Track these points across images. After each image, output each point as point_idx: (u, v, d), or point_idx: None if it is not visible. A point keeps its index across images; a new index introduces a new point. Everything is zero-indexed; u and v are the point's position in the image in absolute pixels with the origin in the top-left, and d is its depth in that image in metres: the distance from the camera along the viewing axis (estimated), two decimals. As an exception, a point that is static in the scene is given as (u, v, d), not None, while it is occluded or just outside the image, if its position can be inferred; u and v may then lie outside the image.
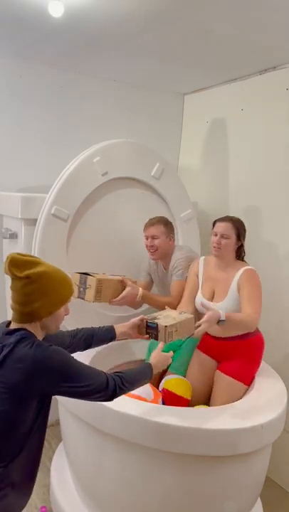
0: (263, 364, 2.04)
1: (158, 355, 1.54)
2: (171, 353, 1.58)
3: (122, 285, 2.04)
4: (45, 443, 2.65)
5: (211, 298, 1.93)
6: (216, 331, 1.92)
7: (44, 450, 2.60)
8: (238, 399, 1.83)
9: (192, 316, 1.72)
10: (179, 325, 1.64)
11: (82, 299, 1.98)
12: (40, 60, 2.43)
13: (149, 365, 1.49)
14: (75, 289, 1.99)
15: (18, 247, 2.16)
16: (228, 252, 1.91)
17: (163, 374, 2.22)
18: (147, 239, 2.14)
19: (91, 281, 1.95)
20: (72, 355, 1.30)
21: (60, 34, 2.02)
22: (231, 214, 2.09)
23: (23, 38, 2.10)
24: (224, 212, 2.13)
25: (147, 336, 1.67)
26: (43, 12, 1.76)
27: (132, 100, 2.81)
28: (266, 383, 1.86)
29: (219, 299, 1.90)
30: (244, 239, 1.94)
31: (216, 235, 1.89)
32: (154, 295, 2.16)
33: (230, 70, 2.46)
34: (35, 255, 2.05)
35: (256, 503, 1.87)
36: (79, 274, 1.99)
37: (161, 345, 1.58)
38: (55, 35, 2.04)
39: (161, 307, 2.03)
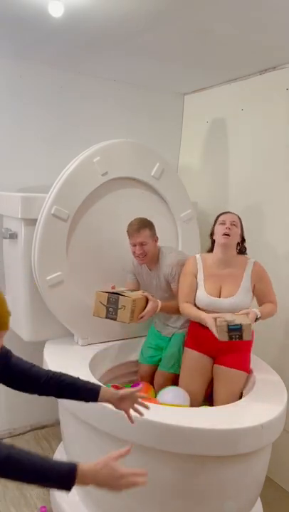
0: (262, 364, 2.06)
1: (104, 465, 1.03)
2: (125, 472, 1.05)
3: (146, 301, 2.02)
4: (45, 443, 2.67)
5: (218, 294, 1.93)
6: None
7: (44, 450, 2.61)
8: (242, 387, 1.90)
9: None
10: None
11: (113, 319, 1.92)
12: (40, 60, 2.43)
13: (72, 469, 1.00)
14: (100, 308, 1.93)
15: (18, 247, 2.16)
16: (234, 242, 1.92)
17: (152, 379, 2.22)
18: (135, 246, 2.05)
19: (125, 302, 1.88)
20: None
21: (60, 34, 2.02)
22: (231, 214, 2.10)
23: (23, 38, 2.10)
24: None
25: (126, 407, 1.42)
26: (43, 12, 1.76)
27: (132, 100, 2.81)
28: (266, 383, 1.86)
29: (229, 294, 1.90)
30: (243, 234, 1.99)
31: (224, 223, 1.90)
32: (169, 303, 2.09)
33: (230, 70, 2.46)
34: (35, 255, 2.05)
35: (256, 503, 1.87)
36: (106, 294, 1.92)
37: (117, 454, 1.09)
38: (55, 35, 2.04)
39: (177, 312, 2.06)
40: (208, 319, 1.79)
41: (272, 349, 2.36)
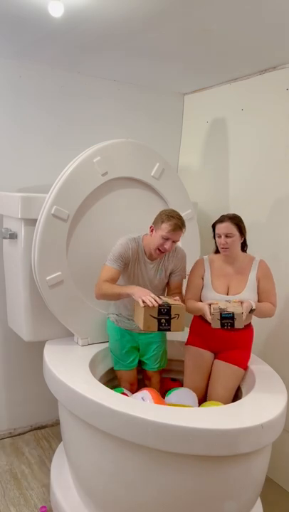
0: (262, 364, 2.07)
1: None
2: None
3: None
4: (45, 443, 2.67)
5: (226, 292, 2.00)
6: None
7: (44, 450, 2.61)
8: (238, 383, 1.97)
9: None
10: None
11: (166, 330, 1.81)
12: (40, 60, 2.43)
13: None
14: (151, 322, 1.79)
15: (18, 247, 2.16)
16: (235, 248, 1.99)
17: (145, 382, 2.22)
18: (167, 240, 1.92)
19: (178, 311, 1.79)
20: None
21: (60, 34, 2.02)
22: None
23: (23, 38, 2.10)
24: (224, 212, 2.13)
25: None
26: (43, 12, 1.76)
27: (132, 100, 2.81)
28: (266, 383, 1.86)
29: (237, 291, 1.98)
30: (245, 232, 2.02)
31: (220, 237, 1.97)
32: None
33: (231, 70, 2.46)
34: (35, 255, 2.05)
35: (256, 503, 1.87)
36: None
37: None
38: (55, 35, 2.04)
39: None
40: (203, 306, 1.89)
41: (272, 349, 2.36)
